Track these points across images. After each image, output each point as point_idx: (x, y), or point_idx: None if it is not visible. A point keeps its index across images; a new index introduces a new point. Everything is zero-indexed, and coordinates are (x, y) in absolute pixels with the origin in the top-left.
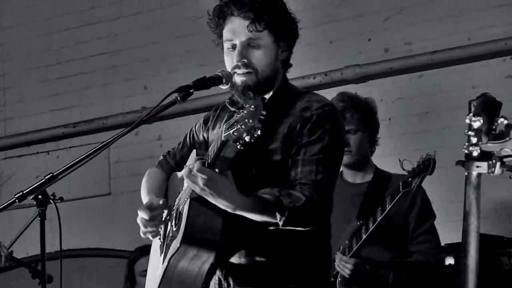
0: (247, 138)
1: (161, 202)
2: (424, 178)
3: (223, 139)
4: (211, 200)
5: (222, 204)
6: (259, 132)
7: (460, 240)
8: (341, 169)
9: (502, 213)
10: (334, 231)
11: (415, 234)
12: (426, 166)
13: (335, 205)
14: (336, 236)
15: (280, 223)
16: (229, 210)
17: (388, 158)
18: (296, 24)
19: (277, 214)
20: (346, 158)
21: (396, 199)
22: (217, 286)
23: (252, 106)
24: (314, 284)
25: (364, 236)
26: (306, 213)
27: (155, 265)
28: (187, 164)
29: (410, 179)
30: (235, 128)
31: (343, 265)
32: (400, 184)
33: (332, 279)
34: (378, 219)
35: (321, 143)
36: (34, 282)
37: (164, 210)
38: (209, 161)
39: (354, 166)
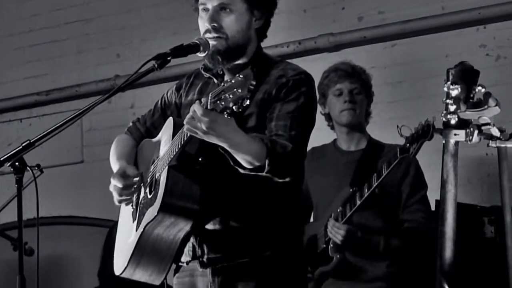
0: (235, 108)
1: (135, 171)
2: (423, 143)
3: (209, 108)
4: (213, 140)
5: (222, 143)
6: (247, 102)
7: (433, 208)
8: (335, 136)
9: (474, 182)
10: (326, 197)
11: (408, 203)
12: (425, 132)
13: (328, 172)
14: (328, 203)
15: (267, 169)
16: (226, 147)
17: None
18: None
19: (267, 160)
20: (349, 116)
21: (394, 164)
22: (190, 253)
23: (241, 76)
24: (289, 251)
25: (358, 202)
26: (286, 161)
27: (126, 232)
28: (161, 132)
29: (408, 144)
30: (222, 97)
31: (336, 231)
32: (398, 150)
33: (324, 245)
34: (374, 185)
35: (296, 103)
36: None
37: (136, 178)
38: (208, 107)
39: (354, 127)
